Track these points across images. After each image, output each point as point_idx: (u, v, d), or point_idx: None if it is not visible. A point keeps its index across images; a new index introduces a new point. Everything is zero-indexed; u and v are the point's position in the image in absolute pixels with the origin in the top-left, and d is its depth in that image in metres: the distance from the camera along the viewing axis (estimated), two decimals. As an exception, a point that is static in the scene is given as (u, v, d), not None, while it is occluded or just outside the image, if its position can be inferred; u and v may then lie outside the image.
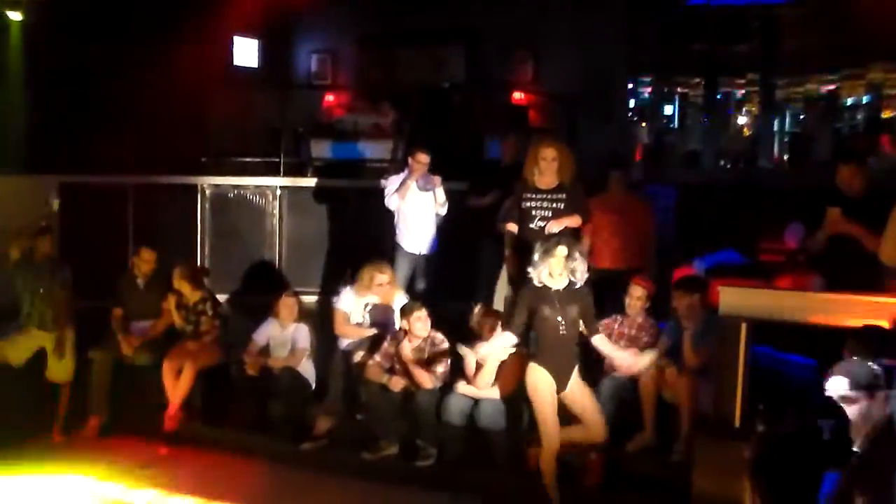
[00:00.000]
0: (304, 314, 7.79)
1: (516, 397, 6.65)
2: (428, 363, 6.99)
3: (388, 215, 8.37)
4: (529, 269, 5.98)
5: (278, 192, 10.07)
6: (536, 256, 5.91)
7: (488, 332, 6.81)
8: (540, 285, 5.94)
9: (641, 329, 7.01)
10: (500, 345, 6.49)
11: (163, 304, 8.20)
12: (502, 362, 6.76)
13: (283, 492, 6.61)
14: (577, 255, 5.89)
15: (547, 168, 7.29)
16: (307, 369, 7.70)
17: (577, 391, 6.00)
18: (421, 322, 6.99)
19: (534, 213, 7.30)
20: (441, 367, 7.00)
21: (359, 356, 7.42)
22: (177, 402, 7.66)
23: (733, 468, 4.76)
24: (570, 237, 6.38)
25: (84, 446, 7.48)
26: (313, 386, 7.71)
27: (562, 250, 5.84)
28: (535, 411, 5.97)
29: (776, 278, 7.57)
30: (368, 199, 8.83)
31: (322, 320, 7.75)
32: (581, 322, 6.02)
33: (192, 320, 7.99)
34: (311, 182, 10.19)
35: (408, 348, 6.98)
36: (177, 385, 7.67)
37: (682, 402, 6.48)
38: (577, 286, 5.95)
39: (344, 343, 7.65)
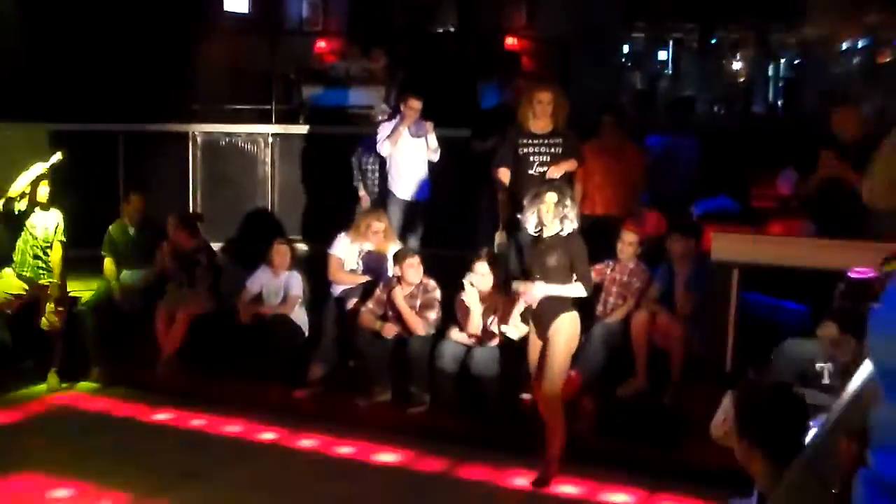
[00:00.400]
0: (296, 261, 7.76)
1: (510, 344, 6.69)
2: (420, 310, 6.99)
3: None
4: (519, 217, 5.88)
5: (270, 139, 10.01)
6: (525, 203, 5.78)
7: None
8: (529, 234, 5.83)
9: (633, 274, 7.00)
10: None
11: (155, 251, 8.18)
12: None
13: (276, 439, 6.64)
14: (567, 201, 5.74)
15: (542, 112, 7.22)
16: (300, 317, 7.69)
17: (551, 336, 5.72)
18: (413, 269, 6.98)
19: (531, 158, 7.23)
20: (433, 314, 7.01)
21: (352, 303, 7.42)
22: (169, 350, 7.67)
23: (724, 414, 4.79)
24: (562, 182, 6.25)
25: (81, 395, 7.51)
26: (306, 333, 7.70)
27: (552, 196, 5.68)
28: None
29: (768, 224, 7.56)
30: (360, 145, 8.75)
31: (314, 267, 7.73)
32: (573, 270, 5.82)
33: (187, 268, 7.98)
34: (302, 129, 10.11)
35: (400, 295, 6.98)
36: (169, 333, 7.67)
37: (674, 347, 6.50)
38: (567, 233, 5.75)
39: (337, 290, 7.64)
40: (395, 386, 7.03)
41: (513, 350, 6.66)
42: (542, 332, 5.73)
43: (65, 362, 7.83)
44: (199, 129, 10.07)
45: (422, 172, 8.34)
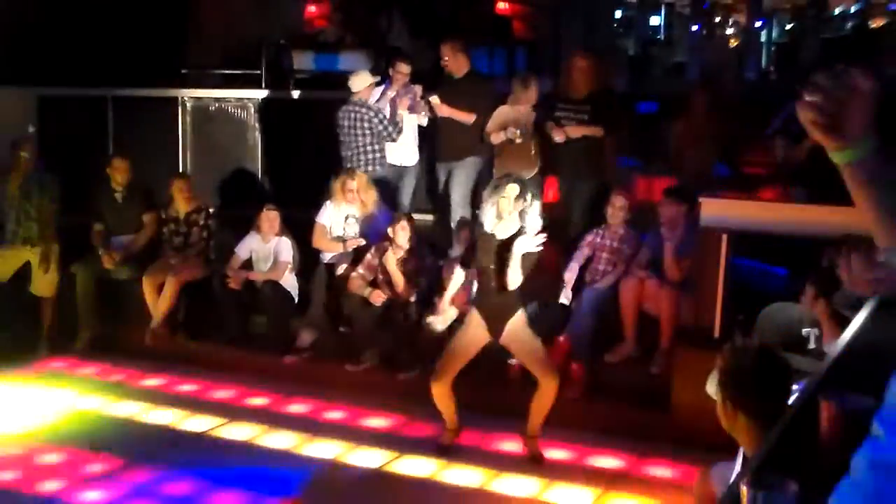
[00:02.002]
0: (285, 228, 7.73)
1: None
2: (411, 275, 6.98)
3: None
4: (479, 209, 5.61)
5: (259, 104, 9.93)
6: (486, 194, 5.50)
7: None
8: (487, 230, 5.52)
9: (623, 240, 6.99)
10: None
11: (143, 217, 8.14)
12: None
13: (266, 403, 6.65)
14: (528, 195, 5.48)
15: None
16: (290, 282, 7.68)
17: (515, 336, 5.61)
18: (404, 232, 6.96)
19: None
20: (424, 280, 7.00)
21: (341, 269, 7.41)
22: (159, 316, 7.66)
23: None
24: (529, 178, 5.91)
25: (71, 361, 7.50)
26: (296, 299, 7.69)
27: (513, 189, 5.39)
28: (448, 343, 5.75)
29: (759, 190, 7.54)
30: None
31: (304, 233, 7.70)
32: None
33: (183, 232, 7.94)
34: (292, 94, 10.04)
35: (392, 259, 6.96)
36: (159, 300, 7.66)
37: (663, 313, 6.50)
38: (525, 233, 5.46)
39: (327, 256, 7.63)
40: (385, 352, 7.03)
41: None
42: (495, 333, 5.61)
43: (55, 328, 7.83)
44: (189, 95, 9.99)
45: (411, 137, 8.29)
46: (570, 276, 6.97)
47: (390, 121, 8.00)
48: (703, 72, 9.60)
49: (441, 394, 5.70)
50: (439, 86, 8.11)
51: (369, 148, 7.99)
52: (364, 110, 7.97)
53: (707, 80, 8.51)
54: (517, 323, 5.60)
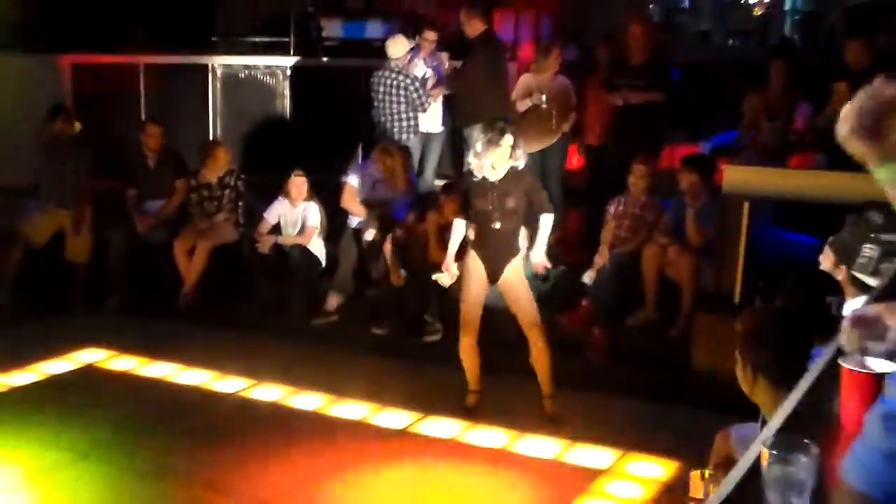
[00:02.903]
0: (313, 193, 7.75)
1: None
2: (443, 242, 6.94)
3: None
4: (470, 160, 5.59)
5: (289, 71, 9.92)
6: (479, 146, 5.42)
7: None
8: (479, 178, 5.52)
9: (644, 207, 6.96)
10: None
11: (175, 182, 8.17)
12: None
13: (294, 365, 6.69)
14: (519, 142, 5.50)
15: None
16: (318, 247, 7.70)
17: (512, 282, 5.62)
18: (448, 206, 6.87)
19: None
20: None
21: (369, 234, 7.41)
22: (191, 280, 7.71)
23: (732, 344, 4.78)
24: (513, 124, 5.75)
25: (103, 324, 7.58)
26: (324, 263, 7.72)
27: (508, 139, 5.39)
28: (460, 297, 5.74)
29: (784, 158, 7.47)
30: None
31: (332, 199, 7.71)
32: (531, 205, 5.63)
33: (218, 196, 7.96)
34: (320, 62, 10.01)
35: (434, 224, 6.97)
36: (191, 264, 7.70)
37: (684, 279, 6.48)
38: (518, 170, 5.53)
39: (354, 221, 7.64)
40: (412, 315, 7.05)
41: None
42: (494, 274, 5.60)
43: (88, 292, 7.89)
44: (219, 62, 9.97)
45: (437, 104, 8.28)
46: (599, 259, 6.89)
47: (423, 91, 7.98)
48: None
49: (467, 347, 5.72)
50: (461, 49, 8.10)
51: (403, 115, 7.99)
52: (401, 77, 7.97)
53: (784, 50, 8.33)
54: (515, 268, 5.60)
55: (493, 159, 5.40)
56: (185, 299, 7.71)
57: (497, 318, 6.56)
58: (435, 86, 8.22)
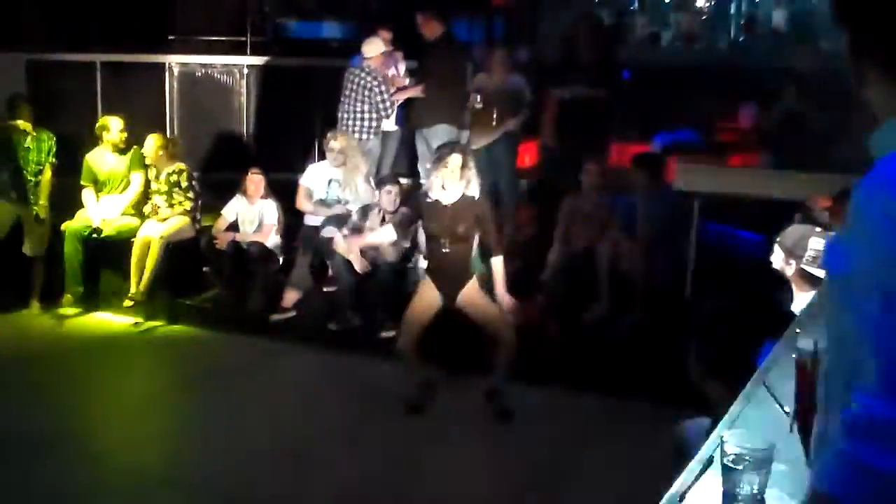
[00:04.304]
0: (270, 191, 7.67)
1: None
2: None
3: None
4: (423, 180, 5.64)
5: (245, 70, 9.82)
6: (429, 165, 5.44)
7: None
8: (430, 200, 5.48)
9: (597, 205, 6.97)
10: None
11: (131, 177, 8.02)
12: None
13: (252, 361, 6.61)
14: (471, 162, 5.45)
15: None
16: (275, 244, 7.63)
17: (470, 299, 5.51)
18: (389, 196, 6.90)
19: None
20: (406, 242, 6.95)
21: (326, 231, 7.34)
22: (145, 276, 7.58)
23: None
24: (467, 145, 5.84)
25: (58, 320, 7.44)
26: (281, 260, 7.65)
27: (455, 159, 5.33)
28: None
29: (730, 157, 7.54)
30: (334, 77, 8.59)
31: (289, 197, 7.64)
32: (479, 234, 5.59)
33: (165, 191, 7.83)
34: (277, 61, 9.93)
35: (376, 221, 6.93)
36: (147, 259, 7.58)
37: (635, 272, 6.50)
38: (473, 198, 5.45)
39: (311, 219, 7.56)
40: (368, 311, 7.00)
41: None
42: (449, 297, 5.50)
43: (44, 287, 7.74)
44: (176, 60, 9.86)
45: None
46: (553, 256, 6.89)
47: (389, 96, 7.94)
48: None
49: (408, 356, 5.67)
50: (418, 51, 8.06)
51: (366, 116, 7.93)
52: (369, 78, 7.92)
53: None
54: (471, 289, 5.52)
55: (443, 179, 5.35)
56: (140, 296, 7.58)
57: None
58: (402, 89, 8.14)
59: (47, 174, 7.70)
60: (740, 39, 13.26)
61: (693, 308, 3.21)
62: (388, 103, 7.95)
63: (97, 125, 8.07)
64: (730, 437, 1.74)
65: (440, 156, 5.41)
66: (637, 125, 8.66)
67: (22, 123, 7.66)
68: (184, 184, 7.80)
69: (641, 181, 6.66)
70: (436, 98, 7.79)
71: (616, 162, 8.05)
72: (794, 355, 2.12)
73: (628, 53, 9.80)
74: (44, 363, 6.52)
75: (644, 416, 5.53)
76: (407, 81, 8.18)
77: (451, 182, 5.35)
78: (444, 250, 5.43)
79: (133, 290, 7.54)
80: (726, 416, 2.16)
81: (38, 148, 7.70)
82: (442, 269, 5.51)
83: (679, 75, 9.57)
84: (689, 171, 6.17)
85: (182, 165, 7.91)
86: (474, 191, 5.42)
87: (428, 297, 5.55)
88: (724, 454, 1.71)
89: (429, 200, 5.46)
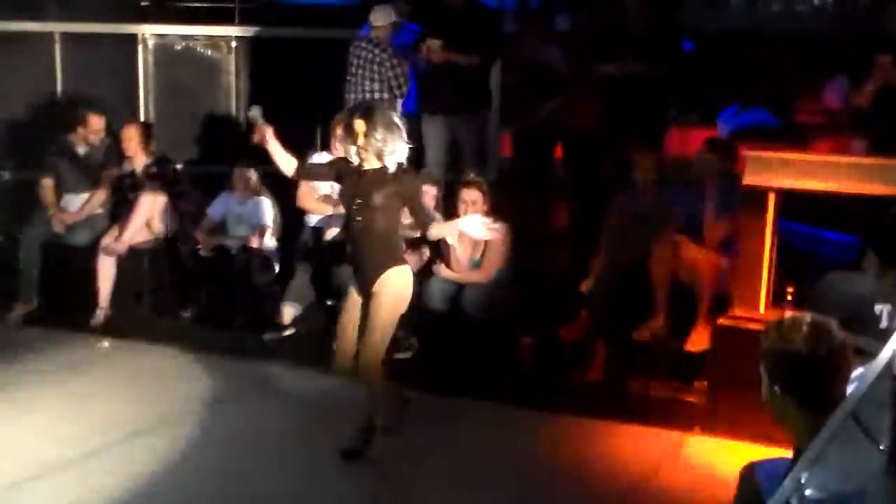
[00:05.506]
0: (264, 186, 7.71)
1: (504, 281, 6.77)
2: (411, 244, 6.94)
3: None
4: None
5: (234, 43, 9.86)
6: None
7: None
8: (353, 162, 5.34)
9: (653, 203, 6.95)
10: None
11: (103, 173, 8.10)
12: (487, 242, 6.74)
13: (243, 388, 6.64)
14: (378, 133, 5.15)
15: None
16: (269, 249, 7.67)
17: (373, 296, 5.28)
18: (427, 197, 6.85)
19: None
20: (425, 249, 6.98)
21: (331, 233, 7.36)
22: (110, 287, 7.64)
23: (755, 359, 4.77)
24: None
25: (9, 338, 7.51)
26: (277, 268, 7.69)
27: (359, 125, 5.17)
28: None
29: (813, 142, 7.51)
30: (338, 51, 8.63)
31: (286, 193, 7.68)
32: (405, 211, 5.42)
33: (140, 186, 7.89)
34: (271, 32, 9.95)
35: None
36: (114, 268, 7.64)
37: (701, 283, 6.48)
38: (389, 172, 5.26)
39: (313, 219, 7.59)
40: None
41: (513, 287, 6.71)
42: (366, 288, 5.33)
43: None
44: (150, 31, 9.89)
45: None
46: (598, 264, 6.91)
47: (402, 70, 7.97)
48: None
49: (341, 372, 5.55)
50: (437, 24, 8.07)
51: (376, 95, 7.96)
52: (377, 51, 7.97)
53: None
54: (388, 279, 5.27)
55: (356, 144, 5.24)
56: (105, 310, 7.64)
57: (475, 328, 6.59)
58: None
59: None
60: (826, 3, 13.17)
61: (769, 323, 3.19)
62: (401, 80, 7.98)
63: (81, 120, 8.09)
64: (810, 479, 1.73)
65: (348, 122, 5.30)
66: (700, 106, 8.65)
67: None
68: (160, 177, 7.87)
69: (708, 171, 6.63)
70: (468, 78, 7.86)
71: (674, 149, 8.04)
72: (890, 381, 2.11)
73: (689, 19, 9.76)
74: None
75: (707, 452, 5.54)
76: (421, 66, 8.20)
77: (361, 149, 5.21)
78: (357, 219, 5.28)
79: (101, 304, 7.62)
80: (806, 455, 2.15)
81: None
82: (356, 248, 5.36)
83: (751, 45, 9.53)
84: (762, 160, 6.13)
85: (161, 157, 7.97)
86: (390, 163, 5.24)
87: (351, 292, 5.44)
88: (803, 500, 1.70)
89: (351, 164, 5.35)
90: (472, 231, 5.38)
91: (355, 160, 5.30)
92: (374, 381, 5.36)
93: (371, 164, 5.26)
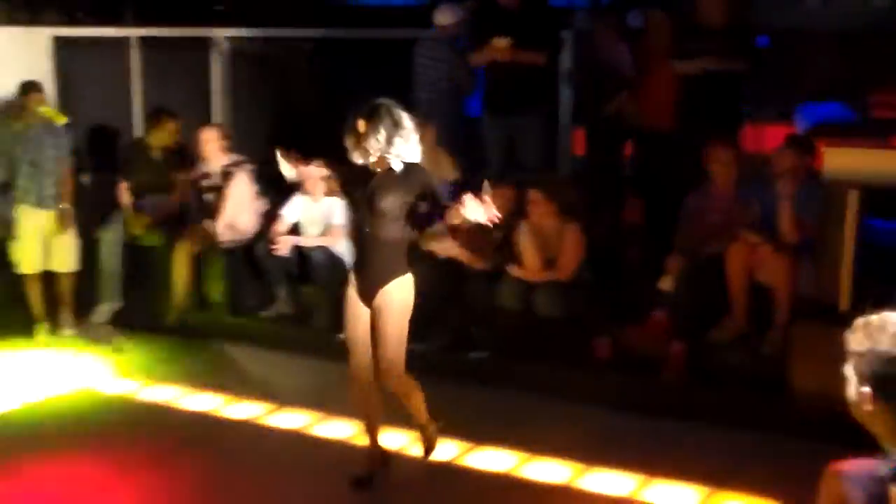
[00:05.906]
0: (339, 187, 7.77)
1: (579, 280, 6.79)
2: (452, 230, 6.90)
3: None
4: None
5: (311, 45, 9.89)
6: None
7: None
8: (359, 165, 5.15)
9: (731, 200, 6.90)
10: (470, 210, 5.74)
11: (178, 175, 8.22)
12: (562, 242, 6.75)
13: (319, 388, 6.73)
14: (381, 133, 4.97)
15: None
16: (344, 249, 7.72)
17: (380, 308, 5.12)
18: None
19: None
20: (496, 248, 7.01)
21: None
22: (189, 288, 7.76)
23: (837, 361, 4.73)
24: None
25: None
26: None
27: (360, 125, 5.01)
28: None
29: (892, 137, 7.42)
30: (406, 51, 8.64)
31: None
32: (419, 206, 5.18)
33: (218, 187, 8.01)
34: (349, 33, 9.98)
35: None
36: (192, 269, 7.76)
37: (779, 283, 6.43)
38: (400, 171, 5.08)
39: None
40: (456, 328, 7.06)
41: (587, 286, 6.72)
42: (368, 296, 5.17)
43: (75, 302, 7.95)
44: (224, 34, 9.97)
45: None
46: (675, 262, 6.86)
47: (468, 70, 8.01)
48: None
49: (357, 399, 5.39)
50: (494, 22, 8.04)
51: (444, 95, 8.04)
52: (443, 50, 8.02)
53: None
54: (389, 291, 5.13)
55: (351, 143, 5.11)
56: (183, 310, 7.77)
57: (548, 328, 6.61)
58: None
59: (64, 175, 7.71)
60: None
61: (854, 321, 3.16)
62: (467, 78, 8.01)
63: (156, 123, 8.23)
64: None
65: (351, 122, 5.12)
66: (776, 102, 8.58)
67: (32, 112, 7.73)
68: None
69: (788, 168, 6.57)
70: (530, 76, 7.85)
71: (750, 146, 7.98)
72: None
73: (764, 15, 9.68)
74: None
75: (786, 454, 5.50)
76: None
77: (368, 150, 5.03)
78: (365, 229, 5.14)
79: (178, 303, 7.74)
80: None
81: (53, 141, 7.72)
82: (363, 257, 5.22)
83: (828, 39, 9.43)
84: (842, 154, 6.07)
85: (239, 158, 8.07)
86: (396, 163, 5.06)
87: (354, 301, 5.25)
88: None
89: (356, 166, 5.18)
90: (474, 216, 5.20)
91: (358, 162, 5.14)
92: (400, 387, 5.25)
93: (378, 165, 5.09)
